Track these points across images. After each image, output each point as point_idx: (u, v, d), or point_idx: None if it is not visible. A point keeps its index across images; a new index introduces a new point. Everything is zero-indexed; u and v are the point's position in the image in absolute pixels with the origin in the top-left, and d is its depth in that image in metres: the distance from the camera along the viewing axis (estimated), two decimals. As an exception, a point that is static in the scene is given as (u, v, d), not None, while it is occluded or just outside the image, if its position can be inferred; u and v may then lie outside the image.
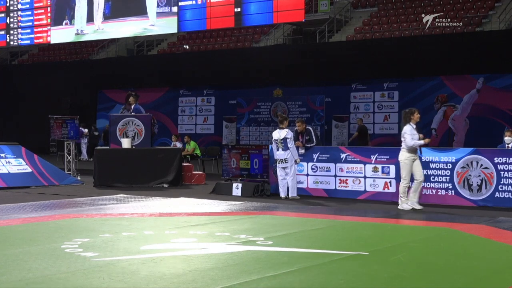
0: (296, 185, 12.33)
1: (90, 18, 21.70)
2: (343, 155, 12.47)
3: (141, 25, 20.76)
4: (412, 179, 10.76)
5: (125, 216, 9.64)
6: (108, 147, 15.72)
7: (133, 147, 15.05)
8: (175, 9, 19.76)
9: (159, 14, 20.13)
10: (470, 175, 11.20)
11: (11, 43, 24.03)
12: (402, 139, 10.70)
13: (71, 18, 22.20)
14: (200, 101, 26.47)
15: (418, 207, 10.67)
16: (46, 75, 29.34)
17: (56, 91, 28.81)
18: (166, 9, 19.90)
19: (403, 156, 10.72)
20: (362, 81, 22.85)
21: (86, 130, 24.26)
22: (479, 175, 11.12)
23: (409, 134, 10.60)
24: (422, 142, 10.71)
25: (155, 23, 20.27)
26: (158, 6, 20.08)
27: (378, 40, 23.08)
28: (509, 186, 10.88)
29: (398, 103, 22.08)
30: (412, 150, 10.68)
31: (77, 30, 22.08)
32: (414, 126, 10.82)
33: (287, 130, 12.24)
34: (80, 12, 21.86)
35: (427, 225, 9.28)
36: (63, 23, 22.43)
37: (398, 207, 10.81)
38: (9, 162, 14.58)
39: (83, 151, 24.17)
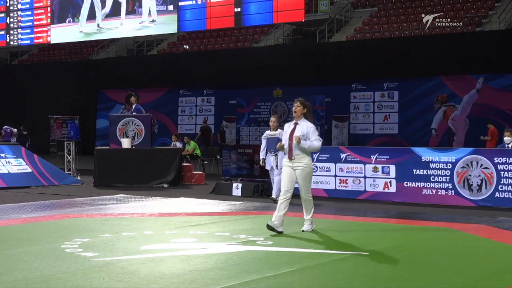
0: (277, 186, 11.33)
1: (92, 17, 21.67)
2: (343, 155, 12.47)
3: (143, 24, 20.72)
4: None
5: (125, 216, 9.64)
6: (108, 147, 15.72)
7: (133, 147, 15.05)
8: (174, 8, 19.75)
9: (159, 13, 20.12)
10: (470, 175, 11.20)
11: (11, 43, 24.03)
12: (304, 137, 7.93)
13: (74, 17, 22.19)
14: (200, 101, 26.47)
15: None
16: (46, 75, 29.35)
17: (56, 91, 28.81)
18: (169, 8, 19.89)
19: (310, 161, 8.11)
20: (362, 81, 22.85)
21: (15, 130, 24.16)
22: (479, 175, 11.12)
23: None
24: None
25: (158, 22, 20.25)
26: (158, 5, 20.07)
27: (378, 40, 23.08)
28: (509, 186, 10.87)
29: (398, 103, 22.08)
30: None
31: (80, 29, 22.07)
32: None
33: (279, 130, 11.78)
34: (83, 11, 21.82)
35: (427, 225, 9.28)
36: (66, 21, 22.41)
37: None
38: (9, 162, 14.58)
39: None
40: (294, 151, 7.85)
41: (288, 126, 8.08)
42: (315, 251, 6.91)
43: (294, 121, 8.01)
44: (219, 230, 8.16)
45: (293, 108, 8.01)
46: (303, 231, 8.07)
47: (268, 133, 11.58)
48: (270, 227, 7.81)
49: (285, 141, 8.03)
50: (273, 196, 11.69)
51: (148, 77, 27.07)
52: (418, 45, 21.61)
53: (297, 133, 7.86)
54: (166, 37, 28.89)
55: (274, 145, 10.46)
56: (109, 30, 21.64)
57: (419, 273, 5.96)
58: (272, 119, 11.50)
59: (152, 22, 20.35)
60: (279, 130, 11.33)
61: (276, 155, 11.13)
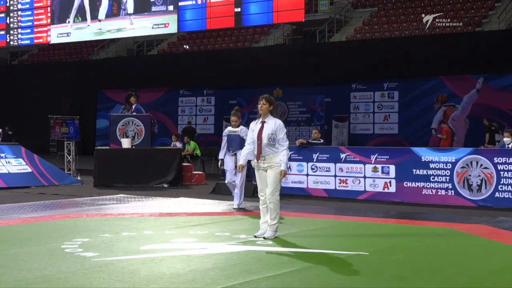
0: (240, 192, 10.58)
1: (93, 17, 21.66)
2: (343, 155, 12.47)
3: (143, 23, 20.72)
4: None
5: (125, 216, 9.64)
6: (108, 147, 15.72)
7: (133, 147, 15.05)
8: (175, 8, 19.75)
9: (160, 13, 20.12)
10: (470, 175, 11.20)
11: (11, 43, 24.03)
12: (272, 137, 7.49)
13: (74, 17, 22.18)
14: (200, 101, 26.46)
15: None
16: (46, 75, 29.34)
17: (56, 91, 28.81)
18: (169, 8, 19.89)
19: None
20: (362, 81, 22.84)
21: (0, 130, 24.14)
22: (479, 175, 11.12)
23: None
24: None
25: (157, 22, 20.25)
26: (158, 5, 20.07)
27: (378, 40, 23.07)
28: (509, 186, 10.88)
29: (398, 103, 22.08)
30: None
31: (79, 28, 22.06)
32: None
33: (241, 127, 10.61)
34: (85, 11, 21.82)
35: (427, 225, 9.28)
36: (66, 21, 22.41)
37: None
38: (9, 162, 14.59)
39: None
40: (263, 151, 7.43)
41: (255, 125, 7.61)
42: (315, 251, 6.91)
43: (261, 119, 7.57)
44: (219, 230, 8.16)
45: (259, 106, 7.54)
46: (264, 238, 7.41)
47: (229, 129, 10.66)
48: (264, 238, 7.45)
49: (252, 141, 7.61)
50: (235, 205, 10.55)
51: (148, 77, 27.06)
52: (418, 45, 21.60)
53: (265, 132, 7.43)
54: (166, 37, 28.88)
55: (235, 144, 10.23)
56: (108, 31, 21.63)
57: (419, 273, 5.96)
58: (233, 118, 10.61)
59: (152, 22, 20.35)
60: (240, 127, 10.55)
61: (235, 154, 10.43)
